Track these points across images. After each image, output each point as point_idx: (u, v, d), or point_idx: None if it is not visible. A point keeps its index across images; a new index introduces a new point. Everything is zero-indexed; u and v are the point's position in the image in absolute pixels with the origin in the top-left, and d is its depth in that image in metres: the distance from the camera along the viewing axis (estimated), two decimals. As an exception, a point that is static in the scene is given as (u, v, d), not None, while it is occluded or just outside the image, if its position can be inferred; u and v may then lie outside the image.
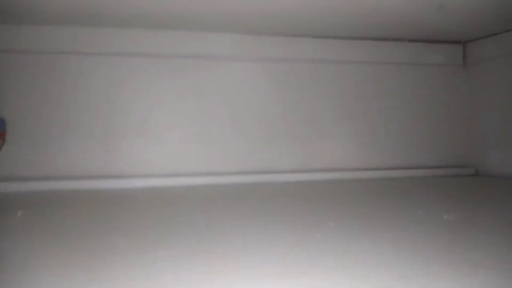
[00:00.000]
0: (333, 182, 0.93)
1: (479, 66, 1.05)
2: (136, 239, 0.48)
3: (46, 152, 0.83)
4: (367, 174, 0.99)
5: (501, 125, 0.99)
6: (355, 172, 0.98)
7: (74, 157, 0.84)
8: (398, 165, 1.03)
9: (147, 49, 0.88)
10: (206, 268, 0.38)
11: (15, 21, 0.80)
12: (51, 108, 0.84)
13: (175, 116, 0.90)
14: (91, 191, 0.80)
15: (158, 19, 0.81)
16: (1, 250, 0.44)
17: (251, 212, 0.64)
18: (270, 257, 0.41)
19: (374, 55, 1.01)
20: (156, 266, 0.39)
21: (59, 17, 0.79)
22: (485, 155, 1.03)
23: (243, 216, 0.60)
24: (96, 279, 0.36)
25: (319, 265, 0.39)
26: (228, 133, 0.93)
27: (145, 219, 0.59)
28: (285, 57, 0.96)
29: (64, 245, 0.46)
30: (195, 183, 0.87)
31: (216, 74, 0.93)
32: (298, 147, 0.97)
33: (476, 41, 1.04)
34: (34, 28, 0.81)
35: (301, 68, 0.98)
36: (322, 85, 0.99)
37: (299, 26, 0.90)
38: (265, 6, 0.76)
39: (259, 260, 0.40)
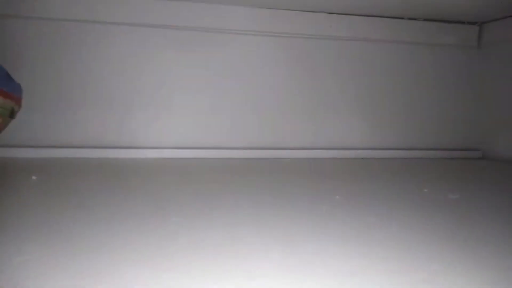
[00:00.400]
0: (341, 160, 0.94)
1: (494, 48, 1.04)
2: (150, 204, 0.50)
3: (60, 120, 0.84)
4: (374, 153, 1.00)
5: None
6: (363, 151, 0.99)
7: (89, 126, 0.86)
8: (405, 146, 1.04)
9: (163, 20, 0.88)
10: (218, 233, 0.40)
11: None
12: (66, 77, 0.85)
13: (188, 89, 0.91)
14: (105, 159, 0.82)
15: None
16: (17, 209, 0.47)
17: (260, 184, 0.65)
18: (278, 224, 0.43)
19: (389, 33, 1.00)
20: (170, 229, 0.40)
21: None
22: (494, 139, 1.04)
23: (252, 188, 0.62)
24: (111, 239, 0.37)
25: (324, 233, 0.40)
26: (238, 108, 0.94)
27: (158, 188, 0.61)
28: (297, 32, 0.96)
29: (79, 206, 0.48)
30: (205, 156, 0.89)
31: (229, 48, 0.93)
32: (308, 124, 0.98)
33: (492, 22, 1.02)
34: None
35: (314, 44, 0.97)
36: (335, 62, 0.99)
37: (313, 1, 0.89)
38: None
39: (268, 226, 0.42)
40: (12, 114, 0.67)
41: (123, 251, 0.34)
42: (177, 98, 0.90)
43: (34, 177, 0.63)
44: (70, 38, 0.84)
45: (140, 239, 0.38)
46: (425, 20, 1.02)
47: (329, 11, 0.96)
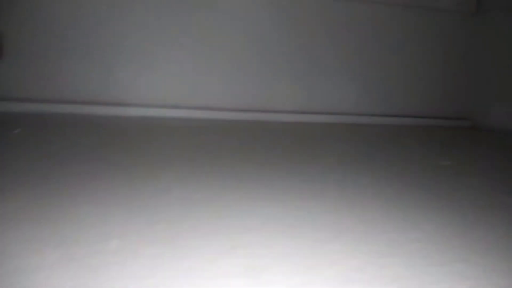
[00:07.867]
0: (330, 125, 0.93)
1: (491, 16, 1.02)
2: (137, 158, 0.49)
3: (44, 73, 0.81)
4: (364, 119, 0.99)
5: (505, 79, 0.99)
6: (353, 116, 0.99)
7: (72, 79, 0.82)
8: (395, 113, 1.03)
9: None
10: (208, 190, 0.39)
11: None
12: (51, 28, 0.81)
13: (176, 48, 0.88)
14: (88, 115, 0.79)
15: None
16: (3, 159, 0.45)
17: (251, 147, 0.65)
18: (274, 185, 0.42)
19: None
20: (161, 185, 0.40)
21: None
22: (484, 109, 1.04)
23: (242, 148, 0.61)
24: (98, 188, 0.37)
25: (320, 193, 0.40)
26: (229, 69, 0.91)
27: (142, 145, 0.60)
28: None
29: (64, 158, 0.47)
30: (193, 116, 0.87)
31: (220, 6, 0.89)
32: (299, 88, 0.97)
33: (491, -11, 1.00)
34: None
35: (308, 5, 0.94)
36: (328, 25, 0.96)
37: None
38: None
39: (263, 187, 0.42)
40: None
41: (114, 201, 0.34)
42: (164, 56, 0.87)
43: (17, 130, 0.61)
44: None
45: (128, 187, 0.37)
46: (423, -17, 0.99)
47: (326, -30, 0.92)
